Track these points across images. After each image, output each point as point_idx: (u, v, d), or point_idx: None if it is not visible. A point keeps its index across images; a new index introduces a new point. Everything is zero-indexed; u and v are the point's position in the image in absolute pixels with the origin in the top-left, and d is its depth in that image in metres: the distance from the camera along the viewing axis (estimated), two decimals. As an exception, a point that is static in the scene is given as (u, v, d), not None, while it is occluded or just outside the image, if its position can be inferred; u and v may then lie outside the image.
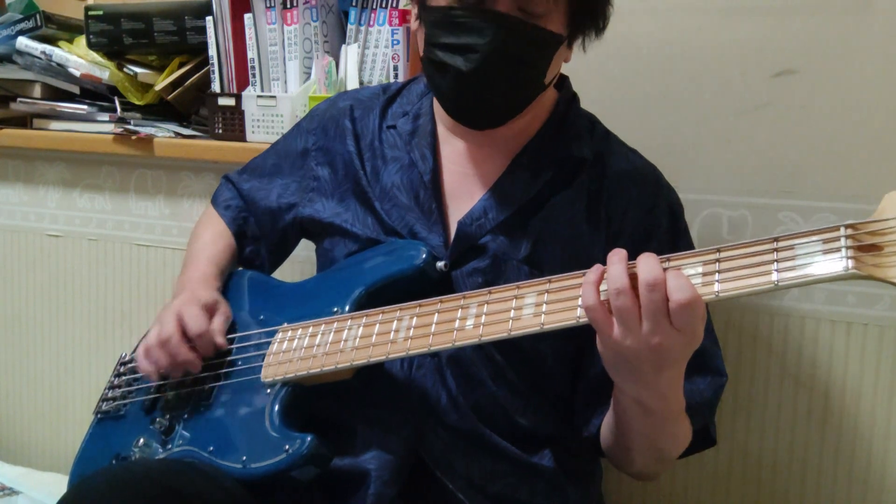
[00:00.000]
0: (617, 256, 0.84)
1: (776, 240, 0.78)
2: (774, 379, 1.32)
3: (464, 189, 1.12)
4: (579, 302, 0.86)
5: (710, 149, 1.33)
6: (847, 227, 0.75)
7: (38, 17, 1.74)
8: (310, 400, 1.06)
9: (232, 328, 1.16)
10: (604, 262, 1.07)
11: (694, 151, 1.34)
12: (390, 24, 1.47)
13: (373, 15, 1.49)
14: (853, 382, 1.27)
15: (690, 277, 0.81)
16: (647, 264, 0.82)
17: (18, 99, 1.80)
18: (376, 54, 1.49)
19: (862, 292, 1.26)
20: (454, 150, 1.14)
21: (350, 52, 1.50)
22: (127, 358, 1.26)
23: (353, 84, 1.48)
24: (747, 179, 1.31)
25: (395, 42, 1.47)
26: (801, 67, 1.27)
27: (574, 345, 1.08)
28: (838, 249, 0.74)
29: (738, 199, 1.32)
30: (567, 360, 1.10)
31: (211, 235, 1.31)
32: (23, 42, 1.75)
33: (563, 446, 1.09)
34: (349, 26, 1.51)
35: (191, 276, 1.23)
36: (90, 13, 1.67)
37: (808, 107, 1.27)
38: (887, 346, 1.25)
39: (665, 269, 0.82)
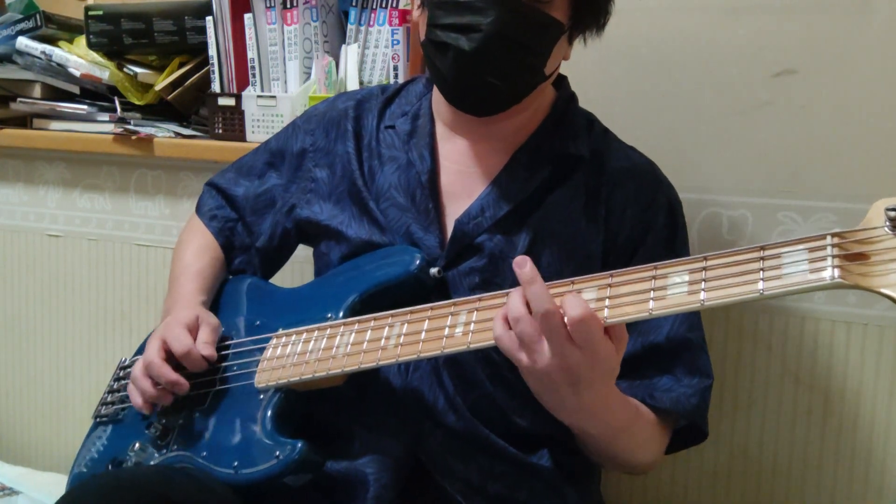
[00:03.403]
0: (516, 289, 0.87)
1: (763, 248, 0.78)
2: (774, 378, 1.32)
3: (462, 188, 1.12)
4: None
5: (710, 149, 1.33)
6: (833, 235, 0.75)
7: (38, 17, 1.74)
8: (303, 406, 1.06)
9: (227, 334, 1.16)
10: (602, 259, 1.08)
11: (694, 151, 1.34)
12: (390, 24, 1.47)
13: (373, 15, 1.49)
14: (853, 382, 1.28)
15: (676, 286, 0.81)
16: (538, 296, 0.84)
17: (18, 99, 1.80)
18: (376, 54, 1.49)
19: (862, 292, 1.26)
20: (453, 149, 1.14)
21: (350, 52, 1.50)
22: (126, 363, 1.26)
23: (353, 84, 1.48)
24: (747, 179, 1.31)
25: (395, 42, 1.47)
26: (801, 67, 1.27)
27: None
28: (824, 258, 0.74)
29: (738, 199, 1.32)
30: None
31: (195, 249, 1.28)
32: (23, 42, 1.75)
33: (562, 446, 1.09)
34: (349, 26, 1.51)
35: (174, 300, 1.21)
36: (90, 13, 1.67)
37: (808, 107, 1.27)
38: (887, 346, 1.25)
39: (565, 293, 0.85)
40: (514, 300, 0.86)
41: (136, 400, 1.10)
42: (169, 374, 1.07)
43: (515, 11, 1.00)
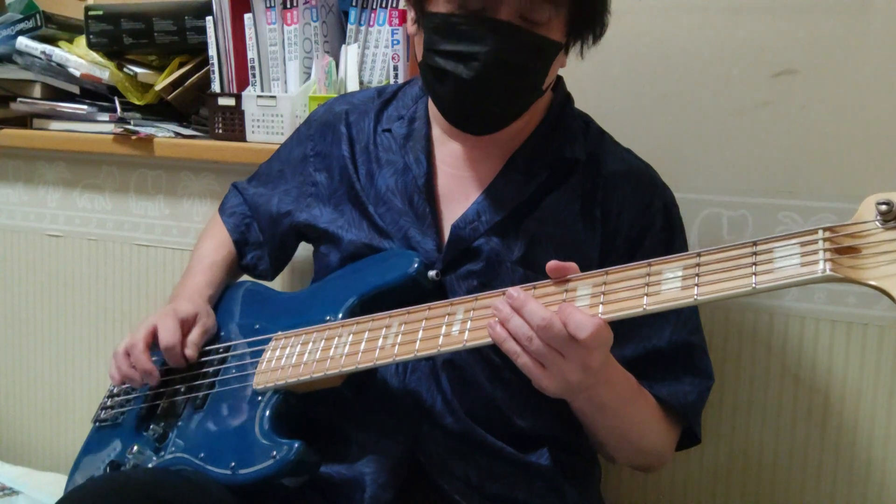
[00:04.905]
0: (504, 310, 0.88)
1: (755, 243, 0.79)
2: (774, 378, 1.32)
3: (458, 192, 1.12)
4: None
5: (710, 149, 1.33)
6: (825, 230, 0.76)
7: (38, 17, 1.74)
8: (302, 407, 1.07)
9: (227, 338, 1.17)
10: (599, 262, 1.08)
11: (694, 151, 1.34)
12: (390, 25, 1.47)
13: (373, 15, 1.49)
14: (853, 382, 1.27)
15: (670, 281, 0.82)
16: (531, 311, 0.85)
17: (18, 99, 1.80)
18: (376, 54, 1.49)
19: (862, 292, 1.26)
20: (449, 153, 1.14)
21: (350, 52, 1.50)
22: None
23: (353, 84, 1.48)
24: (747, 179, 1.31)
25: (395, 42, 1.47)
26: (801, 67, 1.27)
27: None
28: (816, 252, 0.75)
29: (738, 199, 1.32)
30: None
31: (212, 245, 1.32)
32: (23, 42, 1.75)
33: (562, 446, 1.09)
34: (349, 26, 1.51)
35: (183, 287, 1.24)
36: (90, 13, 1.67)
37: (808, 107, 1.27)
38: (887, 346, 1.25)
39: (562, 291, 0.87)
40: (516, 322, 0.87)
41: (113, 373, 1.15)
42: (145, 362, 1.12)
43: (512, 37, 0.99)
